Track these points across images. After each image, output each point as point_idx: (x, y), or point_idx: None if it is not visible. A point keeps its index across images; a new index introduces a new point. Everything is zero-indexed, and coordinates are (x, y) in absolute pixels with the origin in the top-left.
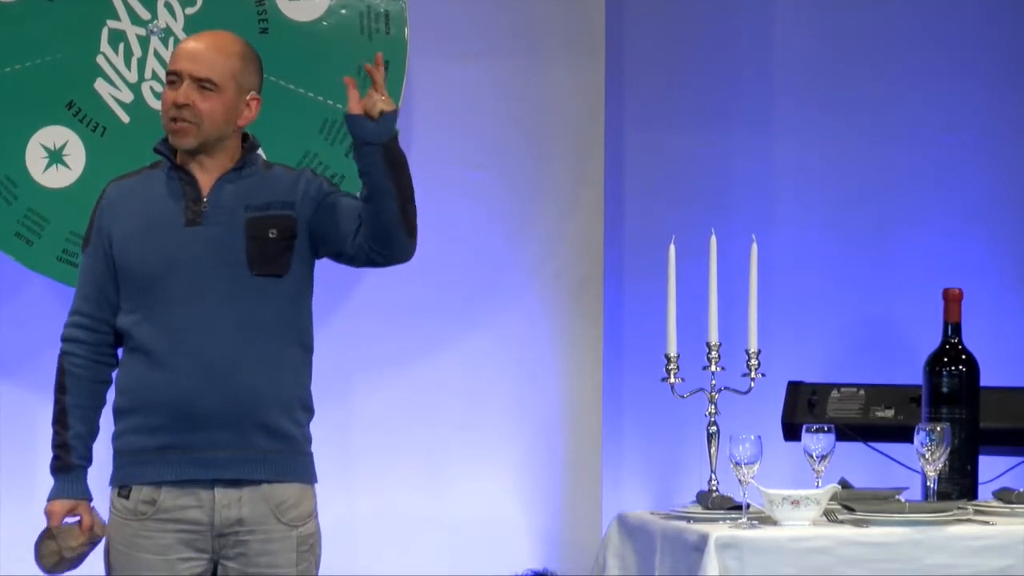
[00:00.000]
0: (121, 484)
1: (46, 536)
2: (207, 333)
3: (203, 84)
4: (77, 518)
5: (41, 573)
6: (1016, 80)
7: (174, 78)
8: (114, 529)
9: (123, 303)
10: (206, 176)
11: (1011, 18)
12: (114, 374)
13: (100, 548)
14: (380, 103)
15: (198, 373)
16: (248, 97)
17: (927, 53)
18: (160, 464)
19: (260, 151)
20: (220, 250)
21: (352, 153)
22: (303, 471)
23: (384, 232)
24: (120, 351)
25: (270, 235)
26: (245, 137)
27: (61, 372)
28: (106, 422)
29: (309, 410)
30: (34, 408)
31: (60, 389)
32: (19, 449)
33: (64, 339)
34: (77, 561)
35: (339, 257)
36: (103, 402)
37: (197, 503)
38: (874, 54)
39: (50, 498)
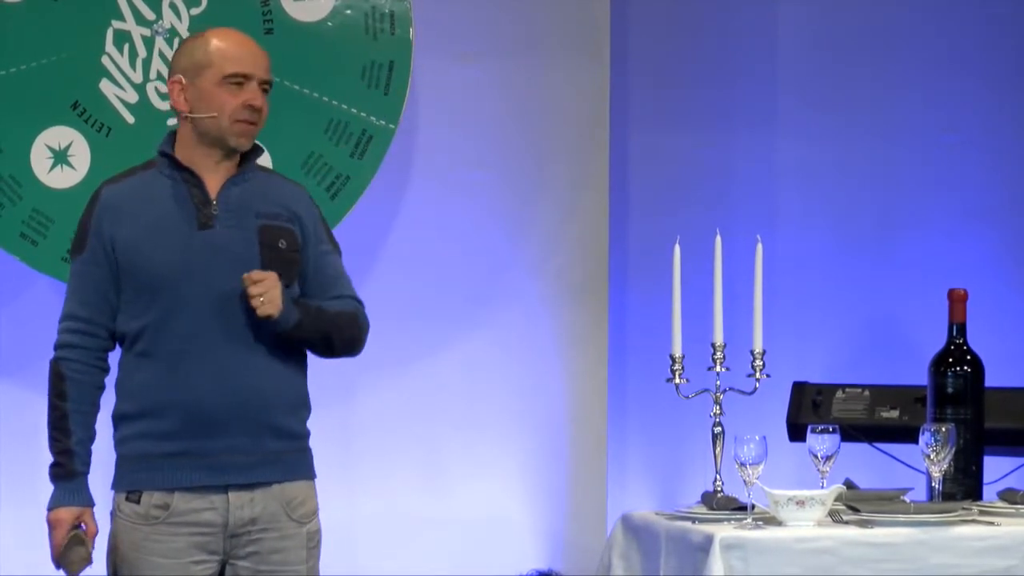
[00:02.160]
0: (131, 489)
1: (75, 543)
2: (220, 337)
3: (264, 87)
4: (83, 526)
5: (42, 574)
6: (1018, 80)
7: (242, 79)
8: (122, 533)
9: (127, 307)
10: (212, 178)
11: (1013, 19)
12: (107, 379)
13: (102, 552)
14: (260, 308)
15: (212, 377)
16: None
17: (929, 53)
18: (173, 469)
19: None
20: (234, 254)
21: None
22: (307, 467)
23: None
24: (111, 355)
25: (280, 245)
26: None
27: (59, 378)
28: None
29: (309, 407)
30: (37, 408)
31: (59, 395)
32: (21, 449)
33: (60, 345)
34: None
35: None
36: (99, 407)
37: (210, 505)
38: (876, 55)
39: (52, 506)
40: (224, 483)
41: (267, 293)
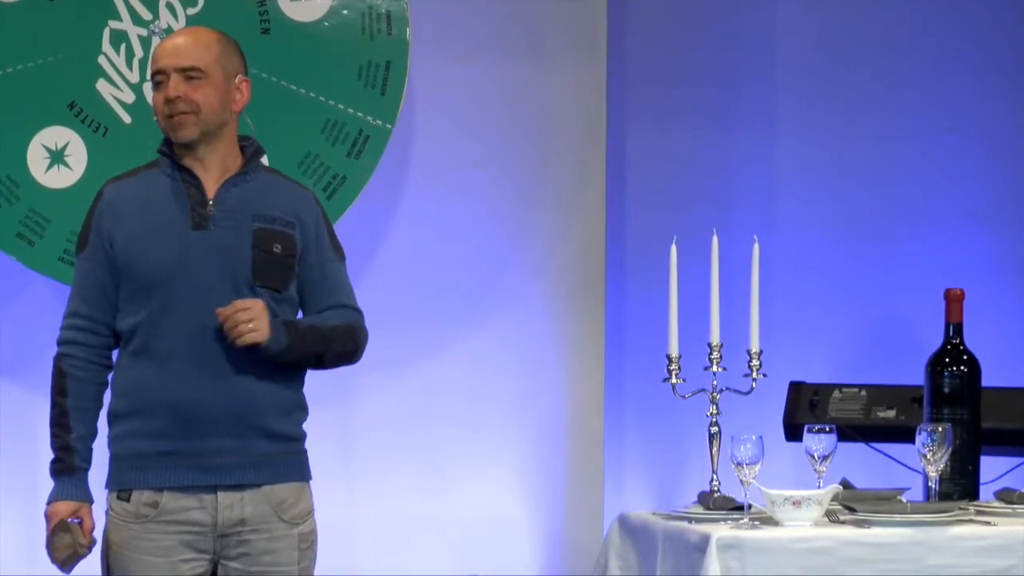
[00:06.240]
0: (121, 488)
1: (59, 529)
2: (213, 338)
3: (189, 74)
4: (78, 520)
5: (42, 573)
6: (1018, 80)
7: (161, 78)
8: (113, 531)
9: (124, 305)
10: (210, 177)
11: (1013, 18)
12: (109, 376)
13: (96, 551)
14: (247, 336)
15: (203, 378)
16: (237, 80)
17: (929, 53)
18: (162, 469)
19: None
20: (226, 256)
21: None
22: (300, 470)
23: None
24: (115, 353)
25: (275, 249)
26: (247, 140)
27: (60, 375)
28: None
29: (305, 410)
30: (36, 408)
31: (60, 392)
32: (20, 449)
33: (62, 342)
34: (80, 560)
35: None
36: (101, 404)
37: (199, 504)
38: (876, 54)
39: (51, 500)
40: (213, 484)
41: (255, 320)
